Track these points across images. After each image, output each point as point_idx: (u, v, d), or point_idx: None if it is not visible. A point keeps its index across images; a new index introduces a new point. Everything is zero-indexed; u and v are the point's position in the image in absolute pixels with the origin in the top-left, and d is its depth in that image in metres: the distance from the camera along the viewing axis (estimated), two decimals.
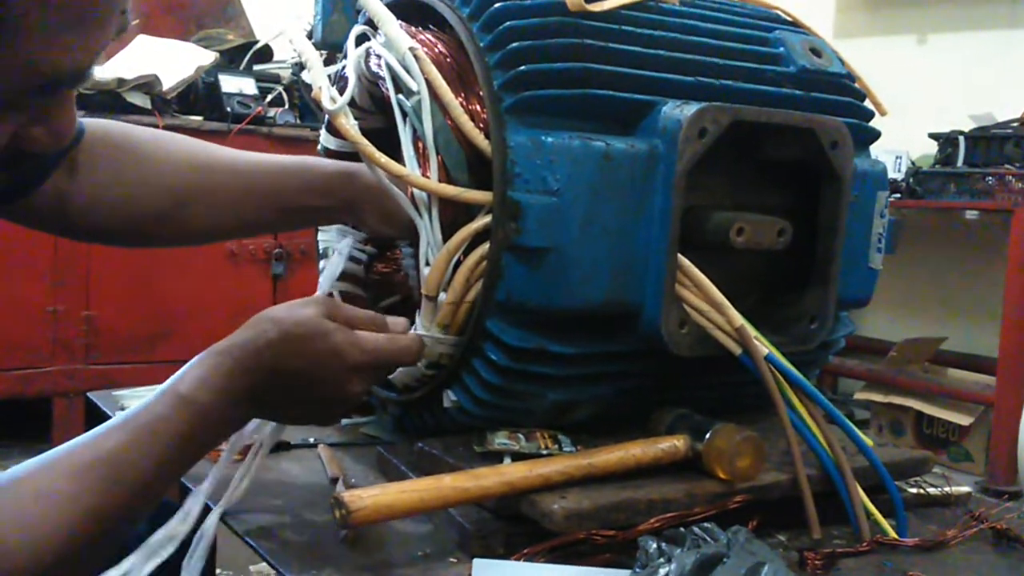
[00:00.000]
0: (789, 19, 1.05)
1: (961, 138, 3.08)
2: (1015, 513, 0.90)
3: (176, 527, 0.71)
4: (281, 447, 0.98)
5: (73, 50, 0.59)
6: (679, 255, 0.83)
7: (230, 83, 3.09)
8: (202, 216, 0.98)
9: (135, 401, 1.08)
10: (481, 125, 0.84)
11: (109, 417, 1.08)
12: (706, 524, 0.70)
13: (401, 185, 0.86)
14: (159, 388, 0.72)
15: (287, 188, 0.99)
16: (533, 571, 0.70)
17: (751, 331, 0.83)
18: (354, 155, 0.96)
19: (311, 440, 1.01)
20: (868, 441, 0.87)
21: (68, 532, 0.64)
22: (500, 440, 0.83)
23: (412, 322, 0.89)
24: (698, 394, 0.94)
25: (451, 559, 0.75)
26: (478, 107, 0.85)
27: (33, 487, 0.65)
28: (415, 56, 0.86)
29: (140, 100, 2.89)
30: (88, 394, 1.21)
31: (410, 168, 0.86)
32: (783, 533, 0.82)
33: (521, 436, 0.84)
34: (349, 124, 0.90)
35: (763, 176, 0.92)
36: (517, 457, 0.81)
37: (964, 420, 3.07)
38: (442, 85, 0.85)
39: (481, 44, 0.85)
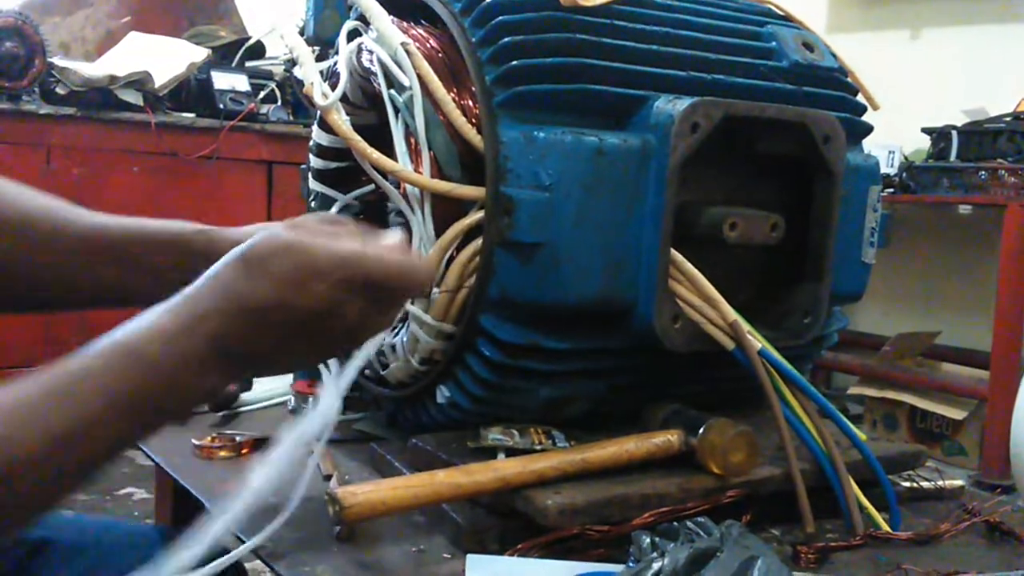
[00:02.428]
0: (781, 14, 1.05)
1: (954, 132, 3.08)
2: (1008, 506, 0.90)
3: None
4: (270, 443, 0.97)
5: None
6: (672, 250, 0.83)
7: (223, 80, 3.08)
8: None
9: None
10: (473, 120, 0.84)
11: None
12: (699, 519, 0.70)
13: (394, 181, 0.86)
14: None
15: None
16: (527, 566, 0.70)
17: (744, 326, 0.84)
18: (346, 151, 0.96)
19: None
20: (861, 435, 0.87)
21: None
22: (494, 436, 0.83)
23: (404, 319, 0.89)
24: (692, 389, 0.94)
25: (445, 555, 0.75)
26: (470, 102, 0.85)
27: None
28: (407, 51, 0.86)
29: (132, 97, 2.88)
30: None
31: (402, 164, 0.86)
32: (777, 527, 0.82)
33: (515, 432, 0.84)
34: (341, 120, 0.90)
35: (756, 171, 0.92)
36: (511, 453, 0.81)
37: (958, 414, 3.08)
38: (434, 80, 0.84)
39: (473, 39, 0.85)
